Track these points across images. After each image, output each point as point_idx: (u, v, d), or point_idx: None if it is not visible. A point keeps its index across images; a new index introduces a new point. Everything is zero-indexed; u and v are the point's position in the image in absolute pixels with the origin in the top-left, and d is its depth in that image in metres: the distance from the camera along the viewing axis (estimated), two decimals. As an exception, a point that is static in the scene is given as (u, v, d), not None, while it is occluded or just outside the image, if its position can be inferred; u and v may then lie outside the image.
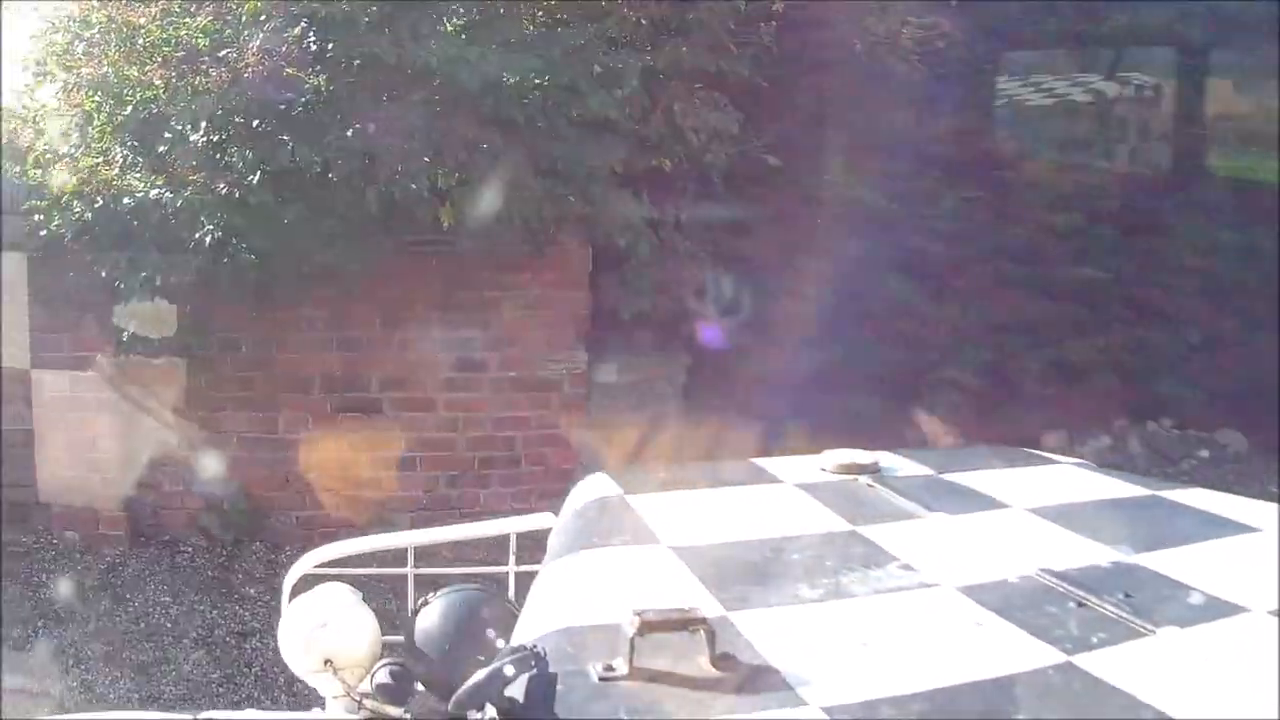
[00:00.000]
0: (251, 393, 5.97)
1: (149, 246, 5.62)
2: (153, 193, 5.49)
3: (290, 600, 2.36)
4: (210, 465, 5.95)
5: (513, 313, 5.99)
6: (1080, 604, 1.38)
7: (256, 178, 5.26)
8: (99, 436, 6.06)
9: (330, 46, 5.37)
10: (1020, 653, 1.25)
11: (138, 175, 5.60)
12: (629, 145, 5.78)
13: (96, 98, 5.69)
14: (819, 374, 7.02)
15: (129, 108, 5.62)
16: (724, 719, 1.14)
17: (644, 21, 5.93)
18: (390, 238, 5.49)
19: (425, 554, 2.55)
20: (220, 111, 5.37)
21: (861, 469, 2.05)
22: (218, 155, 5.44)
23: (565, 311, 6.07)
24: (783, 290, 6.76)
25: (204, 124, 5.42)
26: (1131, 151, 8.92)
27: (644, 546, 1.67)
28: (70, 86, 5.75)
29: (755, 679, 1.20)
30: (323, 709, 2.24)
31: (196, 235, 5.38)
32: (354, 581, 2.35)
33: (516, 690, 1.17)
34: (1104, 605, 1.37)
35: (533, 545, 2.39)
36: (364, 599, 2.26)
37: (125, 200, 5.53)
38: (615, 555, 1.67)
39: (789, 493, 1.95)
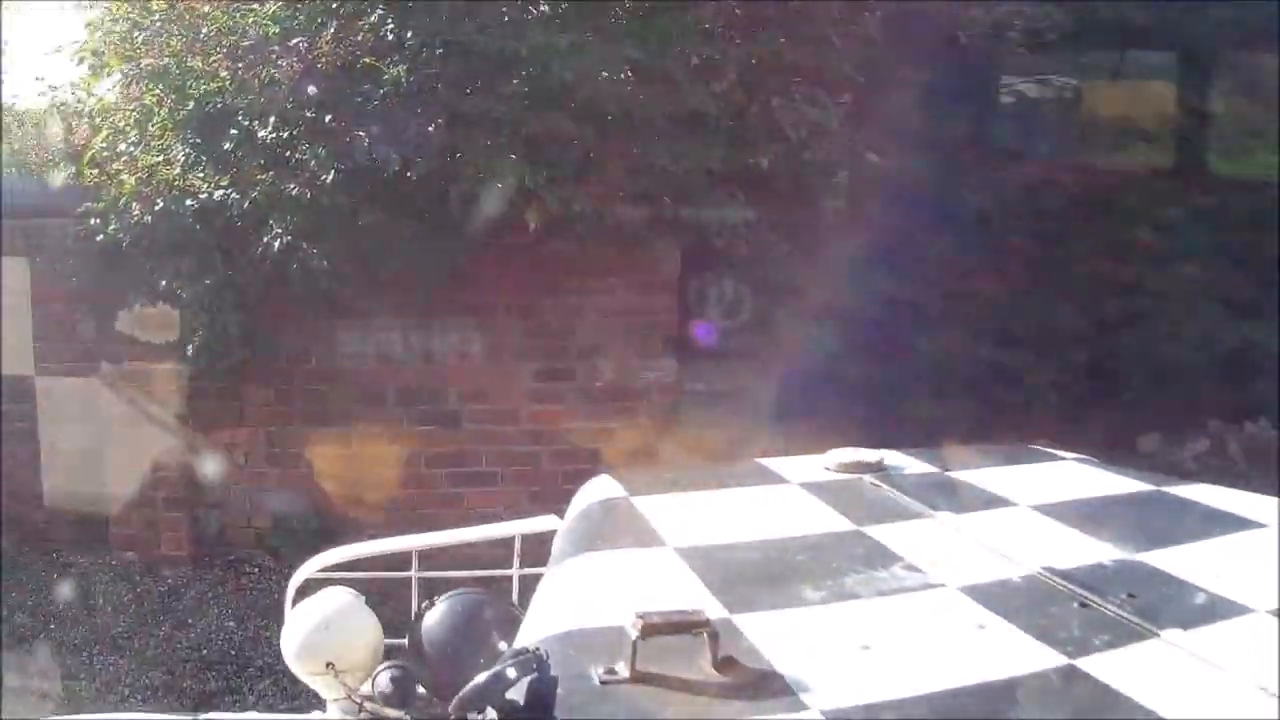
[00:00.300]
0: (322, 406, 5.60)
1: (213, 252, 5.26)
2: (217, 194, 5.15)
3: (293, 604, 2.35)
4: (279, 483, 5.59)
5: (599, 319, 5.59)
6: (1084, 605, 1.36)
7: (329, 177, 4.88)
8: (159, 451, 5.71)
9: (410, 35, 4.97)
10: (1022, 656, 1.23)
11: (201, 175, 5.25)
12: (726, 142, 5.35)
13: (157, 91, 5.33)
14: (913, 378, 6.67)
15: (192, 102, 5.25)
16: None
17: (739, 11, 5.49)
18: (472, 241, 5.09)
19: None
20: (291, 105, 5.00)
21: (866, 468, 2.03)
22: (288, 153, 5.06)
23: (654, 317, 5.67)
24: (880, 292, 6.35)
25: (273, 119, 5.05)
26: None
27: (648, 549, 1.65)
28: (129, 79, 5.40)
29: (758, 682, 1.19)
30: (324, 711, 2.24)
31: (265, 239, 5.00)
32: (358, 585, 2.35)
33: (517, 693, 1.16)
34: (1107, 606, 1.35)
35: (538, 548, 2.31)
36: (367, 602, 2.28)
37: (188, 202, 5.19)
38: (619, 557, 1.65)
39: (794, 493, 1.92)
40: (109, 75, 5.51)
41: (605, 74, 4.93)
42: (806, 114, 5.63)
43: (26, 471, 5.91)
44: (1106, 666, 1.20)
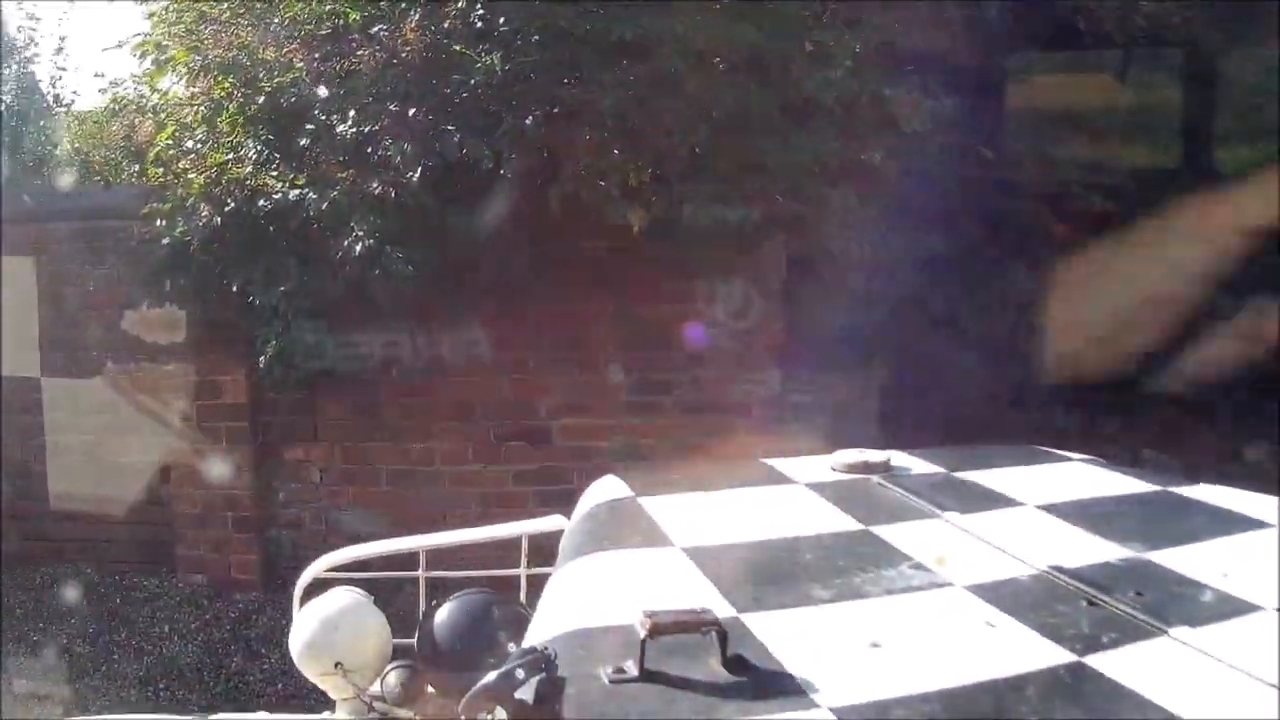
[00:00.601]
0: (402, 421, 5.22)
1: (287, 256, 4.89)
2: (293, 194, 4.77)
3: (301, 604, 2.35)
4: (355, 502, 5.23)
5: (700, 328, 5.16)
6: (1091, 603, 1.35)
7: (416, 175, 4.48)
8: (225, 472, 5.36)
9: (503, 21, 4.57)
10: (1031, 653, 1.22)
11: (274, 173, 4.87)
12: (839, 135, 4.92)
13: (227, 85, 4.95)
14: (1018, 388, 6.22)
15: (264, 96, 4.89)
16: None
17: (852, -7, 5.06)
18: (569, 245, 4.69)
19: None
20: (372, 98, 4.61)
21: (873, 468, 2.03)
22: (369, 149, 4.67)
23: (759, 326, 5.23)
24: (988, 299, 5.90)
25: (352, 113, 4.67)
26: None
27: (655, 548, 1.65)
28: (196, 72, 5.02)
29: (767, 681, 1.17)
30: (333, 711, 2.24)
31: (345, 243, 4.61)
32: (366, 585, 2.35)
33: (526, 693, 1.16)
34: (1115, 604, 1.34)
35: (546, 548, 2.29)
36: (375, 603, 2.27)
37: (260, 202, 4.81)
38: (627, 557, 1.64)
39: (800, 493, 1.92)
40: (174, 69, 5.13)
41: (719, 62, 4.50)
42: (921, 105, 5.18)
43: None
44: (1115, 664, 1.19)
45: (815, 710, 1.11)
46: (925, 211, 5.55)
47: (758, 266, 5.26)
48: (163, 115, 5.17)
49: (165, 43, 5.13)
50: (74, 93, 6.61)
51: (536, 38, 4.55)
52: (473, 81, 4.52)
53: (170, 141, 5.10)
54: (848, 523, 1.73)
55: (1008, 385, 5.84)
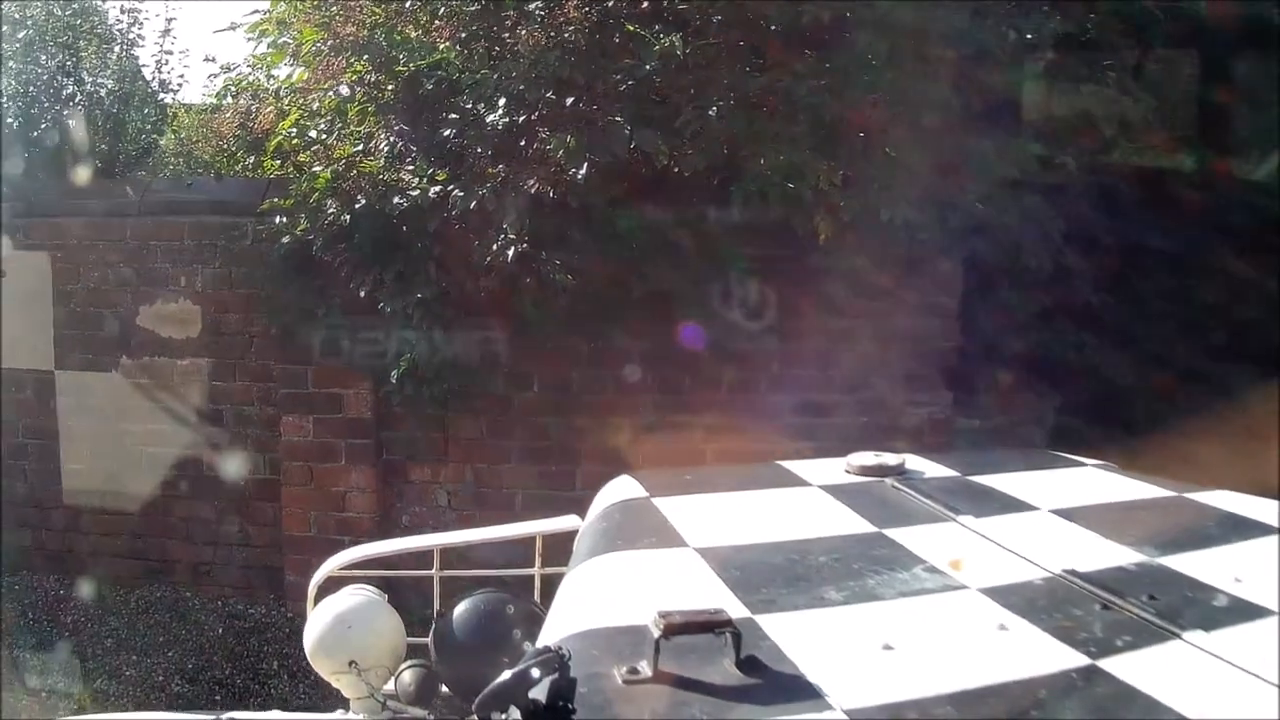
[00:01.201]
0: (542, 441, 4.73)
1: (425, 259, 4.40)
2: (433, 190, 4.28)
3: (316, 602, 2.33)
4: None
5: (869, 346, 4.67)
6: (1105, 606, 1.35)
7: (581, 172, 3.97)
8: (343, 491, 4.89)
9: (682, -1, 4.06)
10: (1045, 656, 1.22)
11: (411, 167, 4.39)
12: (1031, 136, 4.40)
13: (359, 67, 4.45)
14: (1193, 409, 5.64)
15: (401, 80, 4.38)
16: None
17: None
18: (748, 252, 4.19)
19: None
20: (528, 85, 4.09)
21: (886, 471, 2.02)
22: (524, 142, 4.17)
23: (930, 344, 4.74)
24: (1170, 316, 5.33)
25: (504, 101, 4.16)
26: None
27: (670, 549, 1.64)
28: (323, 54, 4.53)
29: (781, 682, 1.17)
30: (347, 710, 2.22)
31: (494, 247, 4.12)
32: (380, 584, 2.32)
33: (540, 692, 1.15)
34: (1129, 608, 1.33)
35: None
36: (389, 601, 2.24)
37: (395, 199, 4.34)
38: (641, 557, 1.64)
39: (814, 495, 1.92)
40: (297, 51, 4.64)
41: (920, 50, 3.98)
42: (1119, 105, 4.64)
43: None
44: (1128, 667, 1.19)
45: (828, 712, 1.10)
46: (1112, 220, 5.02)
47: (933, 279, 4.73)
48: (285, 101, 4.68)
49: (288, 20, 4.64)
50: (181, 78, 6.15)
51: (719, 19, 4.03)
52: (647, 67, 4.03)
53: (293, 131, 4.61)
54: (862, 525, 1.73)
55: (1183, 405, 5.29)
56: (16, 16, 5.57)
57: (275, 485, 5.05)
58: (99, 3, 6.08)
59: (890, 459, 2.05)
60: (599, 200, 4.08)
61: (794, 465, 2.14)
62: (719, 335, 4.53)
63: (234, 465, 5.09)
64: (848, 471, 2.04)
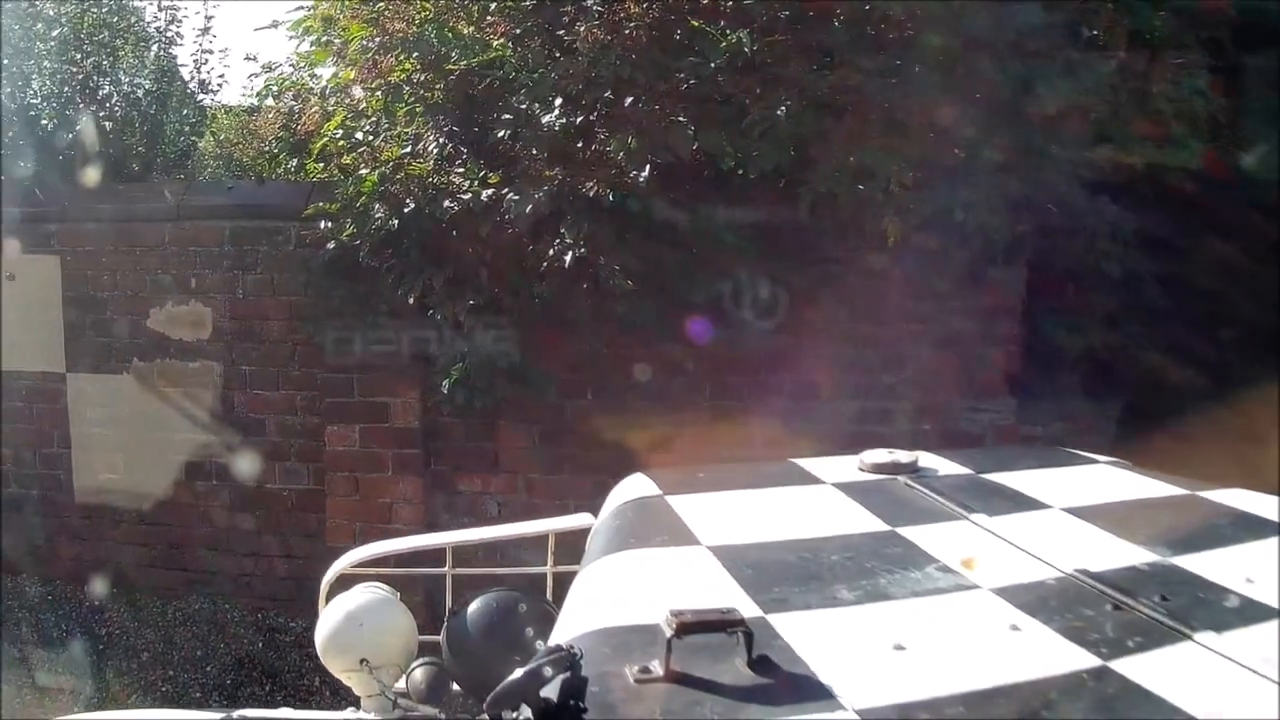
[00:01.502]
0: (595, 451, 4.58)
1: (477, 266, 4.26)
2: (485, 193, 4.12)
3: (327, 600, 2.32)
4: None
5: (931, 351, 4.50)
6: (1117, 607, 1.34)
7: (642, 174, 3.83)
8: (390, 502, 4.75)
9: (749, -8, 3.91)
10: (1056, 656, 1.22)
11: (462, 170, 4.23)
12: (1098, 137, 4.25)
13: (408, 66, 4.31)
14: (1261, 417, 5.46)
15: (453, 79, 4.24)
16: None
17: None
18: (813, 257, 4.03)
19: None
20: (586, 83, 3.94)
21: (900, 468, 2.00)
22: (581, 143, 4.02)
23: (994, 349, 4.58)
24: (1238, 322, 5.16)
25: (560, 101, 4.01)
26: None
27: (682, 547, 1.64)
28: (370, 52, 4.39)
29: (793, 682, 1.17)
30: (358, 708, 2.20)
31: (550, 252, 3.97)
32: (391, 582, 2.31)
33: (552, 691, 1.15)
34: (1141, 608, 1.33)
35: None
36: (401, 599, 2.23)
37: (445, 203, 4.18)
38: (653, 556, 1.63)
39: (827, 493, 1.91)
40: (341, 49, 4.50)
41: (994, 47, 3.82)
42: (1189, 101, 4.47)
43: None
44: (1140, 668, 1.18)
45: (840, 712, 1.10)
46: (1175, 221, 4.85)
47: (998, 281, 4.57)
48: (330, 102, 4.53)
49: (334, 16, 4.50)
50: (220, 78, 6.00)
51: (786, 14, 3.88)
52: (712, 65, 3.86)
53: (338, 132, 4.47)
54: (874, 523, 1.72)
55: (1250, 412, 5.12)
56: (51, 14, 5.45)
57: (319, 496, 4.92)
58: (136, 0, 5.95)
59: (903, 457, 2.05)
60: (661, 203, 3.92)
61: (807, 463, 2.13)
62: (780, 341, 4.38)
63: (276, 475, 4.96)
64: (861, 469, 2.03)
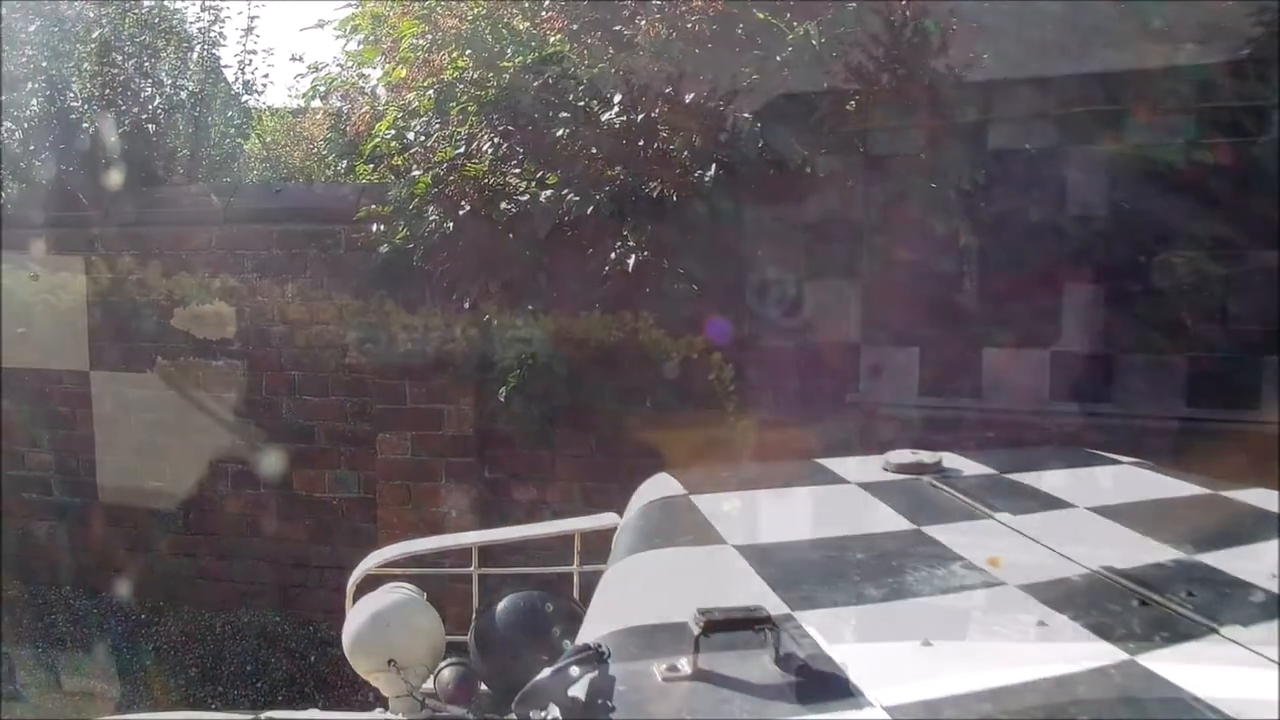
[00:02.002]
0: (654, 460, 4.42)
1: (535, 269, 4.13)
2: (544, 195, 4.00)
3: (354, 600, 2.33)
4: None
5: (1002, 354, 4.33)
6: (1143, 602, 1.35)
7: (708, 174, 3.70)
8: (443, 511, 4.64)
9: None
10: (1084, 651, 1.22)
11: (518, 170, 4.11)
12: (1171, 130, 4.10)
13: (461, 63, 4.19)
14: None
15: (508, 75, 4.11)
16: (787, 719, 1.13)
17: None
18: (880, 259, 3.90)
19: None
20: (648, 79, 3.82)
21: (925, 468, 2.02)
22: (644, 141, 3.89)
23: (1066, 350, 4.41)
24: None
25: (619, 98, 3.88)
26: None
27: (709, 546, 1.65)
28: (422, 50, 4.28)
29: (819, 679, 1.16)
30: (385, 709, 2.21)
31: (612, 255, 3.85)
32: (419, 581, 2.32)
33: (579, 690, 1.16)
34: (1167, 604, 1.34)
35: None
36: (428, 599, 2.24)
37: (502, 205, 4.05)
38: (680, 554, 1.65)
39: (853, 492, 1.92)
40: (396, 44, 4.39)
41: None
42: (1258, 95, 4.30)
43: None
44: (1167, 662, 1.18)
45: (868, 709, 1.09)
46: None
47: (1066, 282, 4.42)
48: (381, 101, 4.42)
49: (384, 14, 4.39)
50: (265, 79, 5.90)
51: (854, 4, 3.73)
52: (778, 58, 3.72)
53: (390, 132, 4.36)
54: (900, 522, 1.72)
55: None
56: (91, 15, 5.36)
57: (370, 505, 4.81)
58: (178, 1, 5.85)
59: (928, 457, 2.05)
60: (728, 204, 3.79)
61: (832, 463, 2.13)
62: (846, 343, 4.24)
63: (326, 484, 4.87)
64: (886, 469, 2.04)
